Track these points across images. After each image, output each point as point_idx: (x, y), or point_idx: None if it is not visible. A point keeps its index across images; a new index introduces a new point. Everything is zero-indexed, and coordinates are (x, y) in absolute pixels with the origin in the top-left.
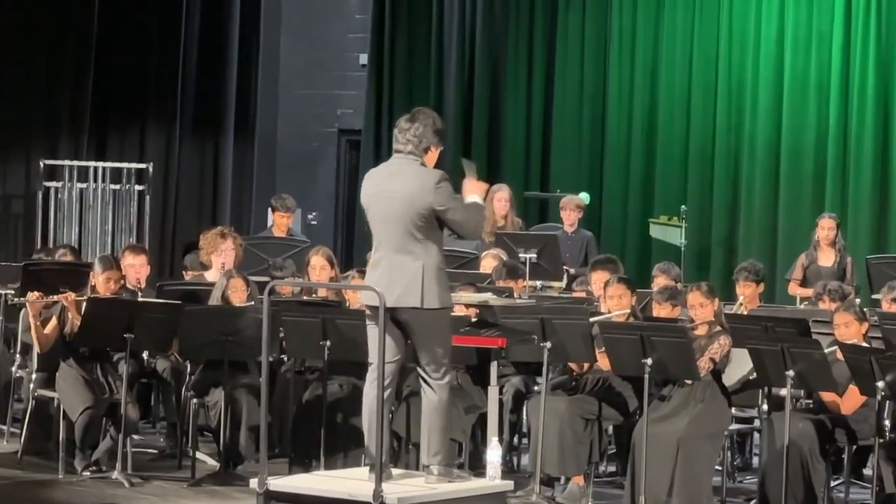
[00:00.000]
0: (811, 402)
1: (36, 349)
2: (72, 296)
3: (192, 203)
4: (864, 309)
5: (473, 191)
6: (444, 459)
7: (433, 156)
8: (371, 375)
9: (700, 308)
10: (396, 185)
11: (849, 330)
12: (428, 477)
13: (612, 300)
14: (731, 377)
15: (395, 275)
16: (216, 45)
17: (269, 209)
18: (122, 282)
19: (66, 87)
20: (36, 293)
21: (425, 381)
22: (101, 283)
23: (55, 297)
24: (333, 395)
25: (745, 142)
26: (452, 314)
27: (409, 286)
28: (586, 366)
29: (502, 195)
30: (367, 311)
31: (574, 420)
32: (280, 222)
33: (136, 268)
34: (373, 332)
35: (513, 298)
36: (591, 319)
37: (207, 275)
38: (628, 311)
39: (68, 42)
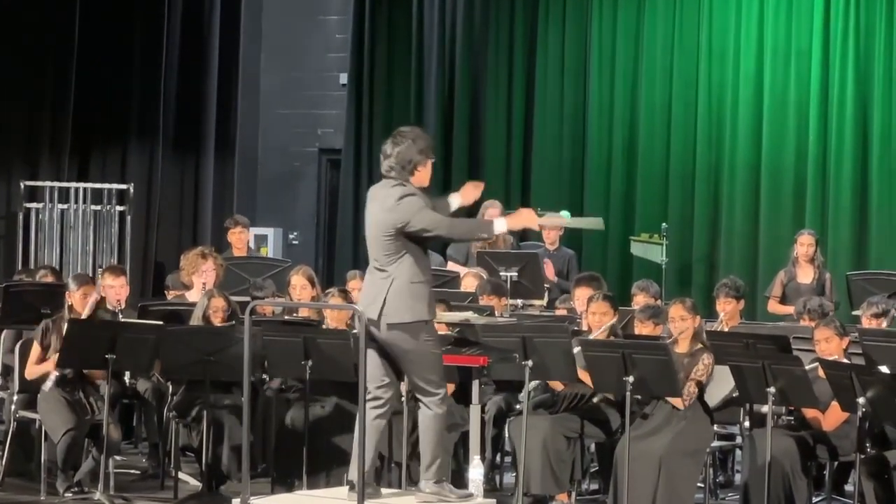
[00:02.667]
0: (792, 418)
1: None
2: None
3: (173, 223)
4: (845, 325)
5: (519, 218)
6: (437, 475)
7: (424, 172)
8: (367, 395)
9: (680, 321)
10: (372, 208)
11: (829, 345)
12: (418, 493)
13: (595, 317)
14: (712, 395)
15: (371, 290)
16: (196, 66)
17: (226, 232)
18: (98, 296)
19: (46, 108)
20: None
21: (419, 399)
22: (77, 300)
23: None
24: (315, 415)
25: (725, 159)
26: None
27: (373, 301)
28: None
29: (493, 212)
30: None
31: (556, 438)
32: (240, 238)
33: (116, 289)
34: (369, 352)
35: (494, 317)
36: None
37: (188, 295)
38: (611, 322)
39: (49, 63)
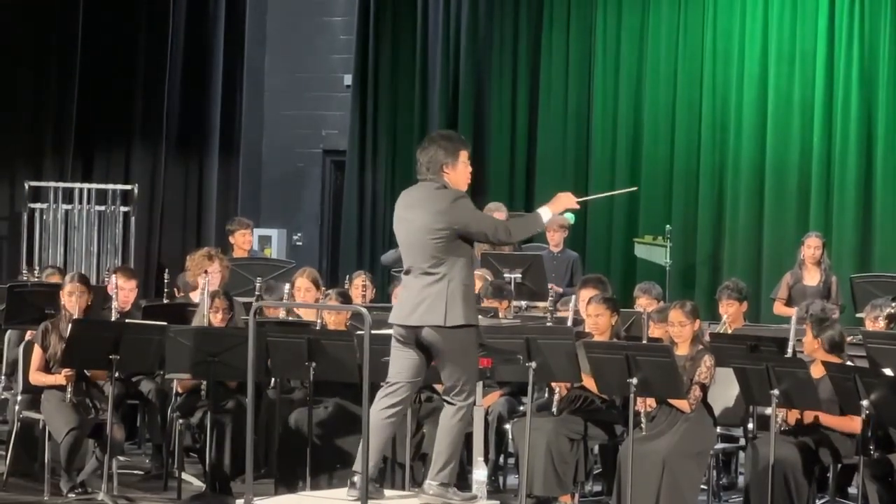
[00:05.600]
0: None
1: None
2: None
3: (176, 224)
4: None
5: (559, 202)
6: (446, 479)
7: (454, 174)
8: (382, 392)
9: (679, 326)
10: (416, 211)
11: (806, 340)
12: (422, 496)
13: (590, 319)
14: (715, 398)
15: (420, 295)
16: (201, 67)
17: (228, 236)
18: (87, 296)
19: (50, 108)
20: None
21: (445, 400)
22: (66, 298)
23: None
24: (319, 416)
25: (729, 160)
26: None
27: (432, 305)
28: (565, 388)
29: (499, 215)
30: (395, 333)
31: (560, 440)
32: (243, 240)
33: (126, 291)
34: (397, 352)
35: (498, 318)
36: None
37: (192, 295)
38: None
39: (52, 64)
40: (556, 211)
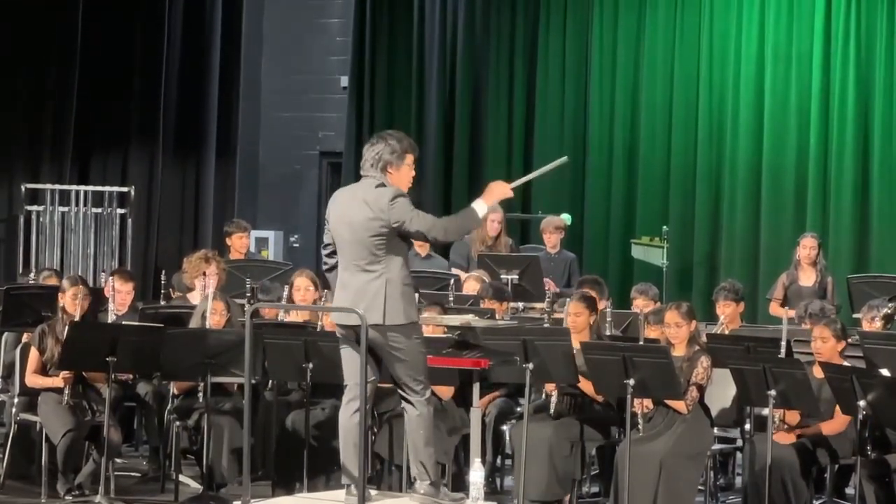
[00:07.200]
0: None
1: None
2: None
3: (173, 226)
4: (844, 328)
5: (492, 193)
6: (431, 477)
7: (398, 174)
8: (346, 397)
9: (675, 328)
10: (356, 208)
11: (825, 345)
12: (413, 496)
13: (570, 317)
14: (712, 399)
15: (359, 294)
16: (198, 69)
17: (226, 238)
18: (90, 298)
19: (48, 111)
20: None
21: (404, 398)
22: (68, 301)
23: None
24: (316, 418)
25: (726, 162)
26: (434, 336)
27: (371, 304)
28: (552, 389)
29: (495, 216)
30: (338, 333)
31: (558, 445)
32: (240, 244)
33: (123, 294)
34: (345, 353)
35: (495, 319)
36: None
37: (191, 297)
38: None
39: (50, 66)
40: (490, 202)
